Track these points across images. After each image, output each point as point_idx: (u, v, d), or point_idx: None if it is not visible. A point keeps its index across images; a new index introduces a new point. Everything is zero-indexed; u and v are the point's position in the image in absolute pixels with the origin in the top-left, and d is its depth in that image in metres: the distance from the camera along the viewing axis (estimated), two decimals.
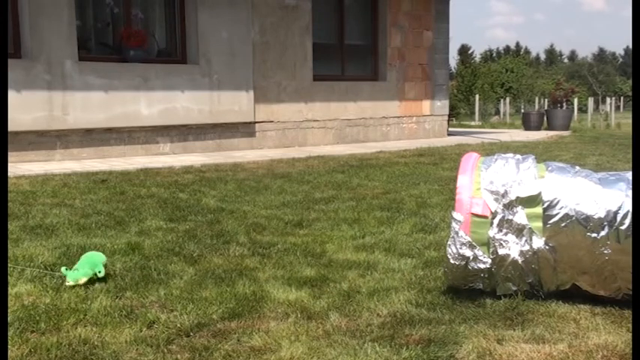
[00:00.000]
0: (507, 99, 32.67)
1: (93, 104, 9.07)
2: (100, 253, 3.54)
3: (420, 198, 6.09)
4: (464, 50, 74.60)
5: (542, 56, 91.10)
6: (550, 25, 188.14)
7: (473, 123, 24.20)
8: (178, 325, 2.81)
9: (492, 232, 3.05)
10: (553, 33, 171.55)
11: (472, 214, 3.06)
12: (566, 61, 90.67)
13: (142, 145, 9.66)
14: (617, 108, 39.27)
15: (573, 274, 3.04)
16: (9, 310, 2.90)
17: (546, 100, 29.92)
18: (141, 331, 2.75)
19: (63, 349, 2.55)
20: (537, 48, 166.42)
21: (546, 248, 3.00)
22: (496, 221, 3.04)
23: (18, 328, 2.73)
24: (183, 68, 10.15)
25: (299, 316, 2.93)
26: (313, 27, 11.58)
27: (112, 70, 9.36)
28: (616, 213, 2.93)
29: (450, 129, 14.84)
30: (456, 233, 3.06)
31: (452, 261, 3.09)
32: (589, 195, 2.99)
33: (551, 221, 2.99)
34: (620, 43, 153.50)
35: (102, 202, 5.78)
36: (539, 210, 3.01)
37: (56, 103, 8.78)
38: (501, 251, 3.05)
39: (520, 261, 3.04)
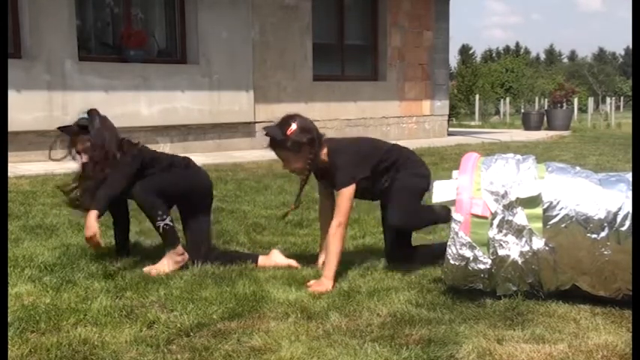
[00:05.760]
0: (507, 99, 32.66)
1: (93, 104, 9.01)
2: None
3: None
4: (465, 50, 74.66)
5: (542, 56, 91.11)
6: (547, 26, 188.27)
7: (473, 123, 24.20)
8: (178, 325, 2.81)
9: (492, 232, 3.04)
10: (551, 33, 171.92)
11: (472, 214, 3.06)
12: (565, 60, 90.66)
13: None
14: (617, 108, 39.25)
15: (573, 275, 3.04)
16: (9, 310, 2.90)
17: (546, 100, 29.92)
18: (141, 331, 2.75)
19: (63, 349, 2.55)
20: (536, 48, 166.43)
21: (546, 249, 3.00)
22: (496, 222, 3.04)
23: (18, 328, 2.73)
24: (183, 68, 10.15)
25: (299, 316, 2.93)
26: (313, 27, 11.58)
27: (112, 70, 9.36)
28: (616, 214, 2.92)
29: (450, 129, 14.83)
30: (456, 234, 3.06)
31: (452, 261, 3.09)
32: (589, 196, 2.99)
33: (551, 222, 2.99)
34: (617, 43, 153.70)
35: None
36: (539, 211, 3.01)
37: (56, 103, 8.77)
38: (501, 252, 3.05)
39: (520, 262, 3.04)
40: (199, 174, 3.98)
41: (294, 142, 3.54)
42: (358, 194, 3.62)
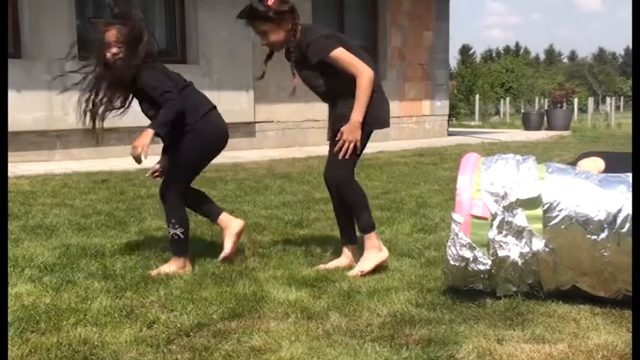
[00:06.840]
0: (507, 99, 32.65)
1: None
2: None
3: (420, 198, 6.09)
4: (465, 50, 74.69)
5: (542, 56, 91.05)
6: (547, 26, 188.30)
7: (473, 123, 24.20)
8: (178, 325, 2.81)
9: (492, 233, 3.04)
10: (550, 33, 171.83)
11: (472, 215, 3.06)
12: (565, 60, 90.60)
13: None
14: (617, 108, 39.21)
15: (573, 276, 3.04)
16: (9, 310, 2.90)
17: (546, 100, 29.93)
18: (141, 331, 2.75)
19: (63, 349, 2.55)
20: (535, 48, 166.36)
21: (546, 250, 3.00)
22: (496, 223, 3.04)
23: (18, 328, 2.73)
24: (183, 68, 10.10)
25: (299, 316, 2.94)
26: None
27: None
28: (616, 216, 2.92)
29: (450, 129, 14.84)
30: (456, 235, 3.06)
31: (452, 262, 3.08)
32: (589, 197, 2.99)
33: (551, 223, 2.98)
34: (617, 43, 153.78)
35: (102, 202, 5.79)
36: (539, 212, 3.00)
37: (56, 103, 8.77)
38: (501, 253, 3.05)
39: (520, 263, 3.04)
40: (206, 126, 3.69)
41: (276, 12, 3.55)
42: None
